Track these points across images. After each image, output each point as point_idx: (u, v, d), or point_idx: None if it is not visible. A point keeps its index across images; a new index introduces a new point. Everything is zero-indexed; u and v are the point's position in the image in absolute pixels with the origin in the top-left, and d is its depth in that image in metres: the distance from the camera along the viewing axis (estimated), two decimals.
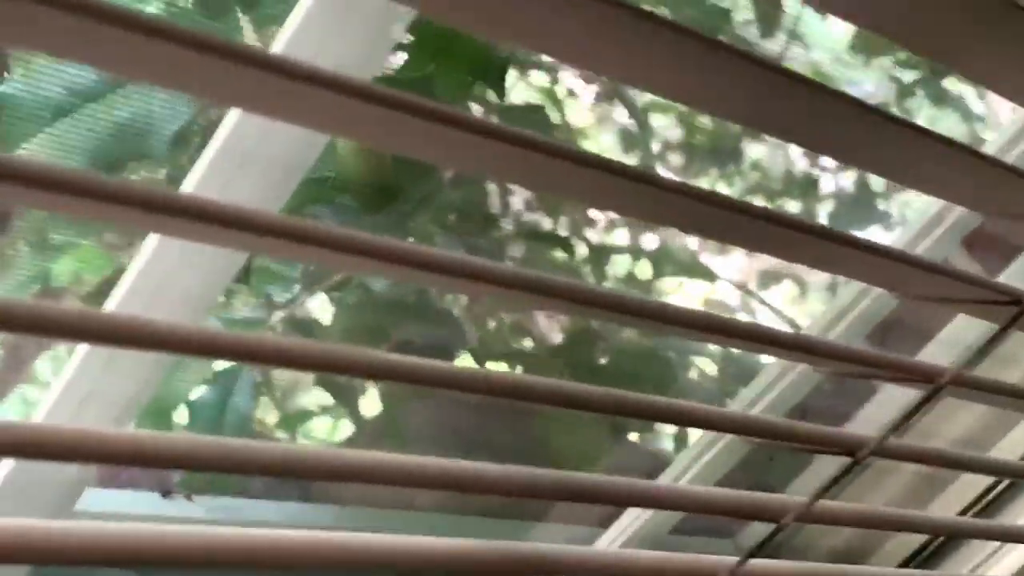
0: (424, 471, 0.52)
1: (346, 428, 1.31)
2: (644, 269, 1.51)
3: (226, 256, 0.58)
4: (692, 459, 0.92)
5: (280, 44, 0.57)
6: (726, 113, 0.48)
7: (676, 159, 1.61)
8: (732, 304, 1.75)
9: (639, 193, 0.46)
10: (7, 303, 0.37)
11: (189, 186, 0.57)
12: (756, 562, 0.60)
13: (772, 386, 0.91)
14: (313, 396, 1.34)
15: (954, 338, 1.00)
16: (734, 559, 0.60)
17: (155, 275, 0.57)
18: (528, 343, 1.33)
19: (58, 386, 0.60)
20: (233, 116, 0.56)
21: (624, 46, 0.41)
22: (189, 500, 0.78)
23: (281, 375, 1.23)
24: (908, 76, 1.85)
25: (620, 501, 0.60)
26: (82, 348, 0.59)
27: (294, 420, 1.30)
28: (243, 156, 0.55)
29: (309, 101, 0.38)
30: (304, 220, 0.41)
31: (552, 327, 1.44)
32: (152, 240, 0.58)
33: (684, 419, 0.55)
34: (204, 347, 0.42)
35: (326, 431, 1.33)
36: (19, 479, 0.60)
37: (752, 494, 0.59)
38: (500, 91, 0.84)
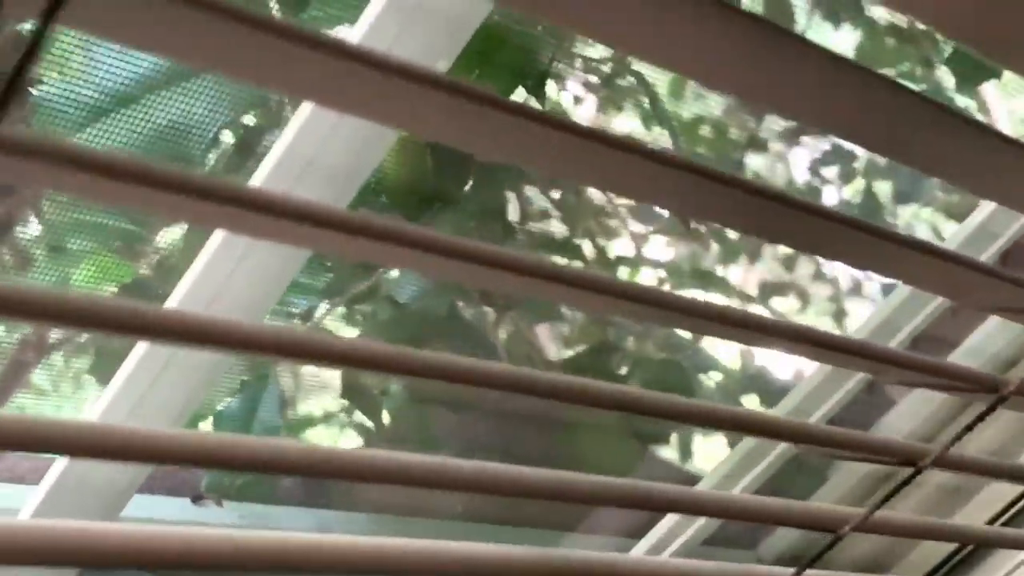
0: (483, 475, 0.51)
1: (352, 439, 1.30)
2: (662, 280, 1.51)
3: (285, 258, 0.57)
4: (729, 472, 0.91)
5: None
6: (803, 115, 0.48)
7: None
8: None
9: (694, 188, 0.45)
10: (84, 299, 0.36)
11: None
12: (813, 573, 0.59)
13: (812, 398, 0.90)
14: (316, 404, 1.32)
15: (979, 347, 1.00)
16: (789, 570, 0.59)
17: (216, 276, 0.56)
18: (544, 358, 1.32)
19: (110, 392, 0.58)
20: (297, 122, 0.55)
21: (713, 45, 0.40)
22: (219, 506, 0.77)
23: (286, 385, 1.21)
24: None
25: (673, 508, 0.59)
26: (136, 353, 0.58)
27: (297, 428, 1.28)
28: (306, 161, 0.54)
29: (385, 93, 0.37)
30: (375, 215, 0.40)
31: (558, 343, 1.43)
32: (214, 241, 0.57)
33: (744, 427, 0.54)
34: (277, 347, 0.41)
35: (330, 439, 1.31)
36: (67, 485, 0.58)
37: (809, 504, 0.58)
38: (541, 98, 0.84)
